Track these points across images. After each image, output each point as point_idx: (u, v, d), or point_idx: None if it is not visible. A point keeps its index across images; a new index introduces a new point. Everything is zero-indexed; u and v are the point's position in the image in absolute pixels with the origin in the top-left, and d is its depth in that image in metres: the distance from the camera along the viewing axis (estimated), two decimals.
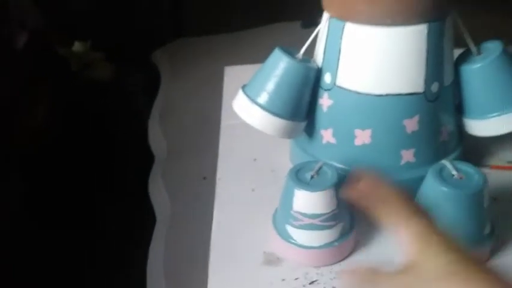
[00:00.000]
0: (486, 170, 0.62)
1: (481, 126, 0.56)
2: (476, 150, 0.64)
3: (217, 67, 0.95)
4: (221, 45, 1.16)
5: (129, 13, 1.35)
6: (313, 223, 0.47)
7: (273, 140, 0.63)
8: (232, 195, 0.60)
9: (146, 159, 0.74)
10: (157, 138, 0.77)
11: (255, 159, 0.67)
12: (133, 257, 0.65)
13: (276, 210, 0.52)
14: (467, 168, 0.48)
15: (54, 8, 1.14)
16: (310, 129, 0.58)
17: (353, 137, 0.54)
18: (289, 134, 0.56)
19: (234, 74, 0.89)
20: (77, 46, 1.09)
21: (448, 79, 0.54)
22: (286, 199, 0.48)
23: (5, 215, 0.83)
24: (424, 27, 0.49)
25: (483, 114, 0.55)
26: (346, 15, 0.50)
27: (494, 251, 0.50)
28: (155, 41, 1.24)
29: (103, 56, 1.15)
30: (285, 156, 0.65)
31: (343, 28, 0.51)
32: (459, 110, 0.57)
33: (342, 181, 0.48)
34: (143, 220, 0.65)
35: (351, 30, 0.50)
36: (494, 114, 0.54)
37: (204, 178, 0.65)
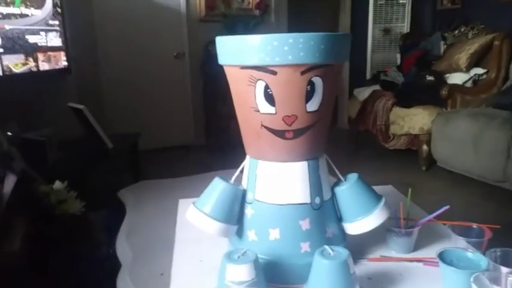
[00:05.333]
0: (365, 262, 0.88)
1: (352, 227, 0.84)
2: (357, 247, 0.90)
3: (172, 201, 1.21)
4: (176, 186, 1.44)
5: (99, 164, 1.63)
6: None
7: (215, 246, 0.87)
8: (182, 284, 0.80)
9: (114, 267, 0.92)
10: (123, 249, 0.97)
11: (200, 260, 0.88)
12: None
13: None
14: (338, 249, 0.74)
15: (39, 156, 1.40)
16: (240, 231, 0.84)
17: (268, 234, 0.80)
18: (225, 234, 0.81)
19: (186, 205, 1.15)
20: (57, 184, 1.32)
21: (327, 195, 0.83)
22: (221, 273, 0.70)
23: None
24: (305, 163, 0.80)
25: (352, 218, 0.84)
26: (259, 156, 0.82)
27: None
28: (121, 183, 1.50)
29: (76, 194, 1.37)
30: None
31: (257, 164, 0.82)
32: (339, 218, 0.86)
33: (262, 265, 0.72)
34: None
35: (262, 165, 0.81)
36: (359, 218, 0.83)
37: (162, 274, 0.85)
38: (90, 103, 2.34)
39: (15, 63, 2.19)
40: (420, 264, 0.87)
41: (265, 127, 0.76)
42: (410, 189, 0.97)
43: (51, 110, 2.27)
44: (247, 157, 0.85)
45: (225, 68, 0.80)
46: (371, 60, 4.76)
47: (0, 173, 1.24)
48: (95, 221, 1.35)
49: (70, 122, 2.19)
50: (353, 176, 0.86)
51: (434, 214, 0.90)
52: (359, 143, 3.85)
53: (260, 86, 0.73)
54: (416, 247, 0.92)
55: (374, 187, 0.87)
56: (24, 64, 2.26)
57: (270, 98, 0.74)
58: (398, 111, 3.30)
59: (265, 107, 0.75)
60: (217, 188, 0.82)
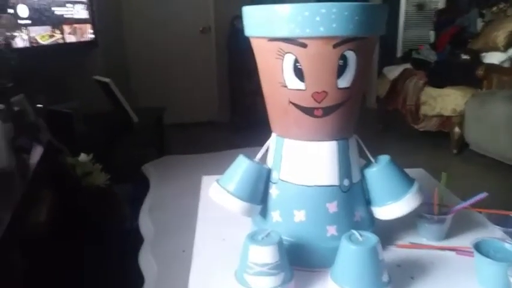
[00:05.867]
0: (393, 248, 0.84)
1: (381, 212, 0.80)
2: (386, 233, 0.86)
3: (196, 177, 1.19)
4: (200, 162, 1.43)
5: (124, 137, 1.63)
6: (263, 270, 0.66)
7: (238, 225, 0.85)
8: (204, 262, 0.78)
9: (137, 241, 0.92)
10: (146, 224, 0.96)
11: (223, 239, 0.87)
12: None
13: (237, 268, 0.71)
14: (367, 234, 0.70)
15: (65, 129, 1.41)
16: (264, 212, 0.81)
17: (293, 216, 0.77)
18: (248, 213, 0.78)
19: (209, 181, 1.13)
20: (82, 157, 1.33)
21: (356, 178, 0.79)
22: (244, 254, 0.68)
23: None
24: (334, 143, 0.76)
25: (381, 202, 0.79)
26: (285, 134, 0.78)
27: None
28: (145, 158, 1.50)
29: (101, 167, 1.38)
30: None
31: (283, 142, 0.78)
32: (368, 201, 0.82)
33: (286, 247, 0.69)
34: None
35: (289, 143, 0.77)
36: (389, 203, 0.79)
37: (183, 251, 0.83)
38: (116, 76, 2.34)
39: (42, 35, 2.19)
40: (453, 253, 0.82)
41: (293, 104, 0.72)
42: (445, 174, 0.91)
43: (78, 82, 2.28)
44: (273, 135, 0.81)
45: (252, 40, 0.75)
46: (403, 38, 4.58)
47: (27, 143, 1.26)
48: (119, 194, 1.36)
49: (95, 95, 2.20)
50: (384, 158, 0.82)
51: (471, 201, 0.85)
52: (387, 123, 3.74)
53: (289, 60, 0.69)
54: (448, 235, 0.87)
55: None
56: (51, 36, 2.27)
57: (299, 73, 0.69)
58: (429, 91, 3.17)
59: (293, 83, 0.70)
60: (241, 166, 0.79)
